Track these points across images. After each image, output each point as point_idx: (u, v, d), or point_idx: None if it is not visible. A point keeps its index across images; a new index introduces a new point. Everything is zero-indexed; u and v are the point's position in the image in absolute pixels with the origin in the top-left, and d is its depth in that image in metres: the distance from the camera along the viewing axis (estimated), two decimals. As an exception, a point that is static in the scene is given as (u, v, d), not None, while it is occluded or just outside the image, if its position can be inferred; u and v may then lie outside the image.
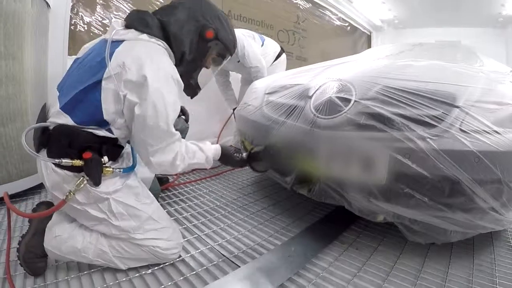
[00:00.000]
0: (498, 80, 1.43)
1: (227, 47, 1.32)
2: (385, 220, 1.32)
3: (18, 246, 1.17)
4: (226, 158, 1.42)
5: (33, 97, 1.92)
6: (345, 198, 1.31)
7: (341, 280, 1.19)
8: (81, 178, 1.06)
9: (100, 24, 2.66)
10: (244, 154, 1.50)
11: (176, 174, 2.33)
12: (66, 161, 1.03)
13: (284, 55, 3.16)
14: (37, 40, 1.98)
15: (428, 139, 1.10)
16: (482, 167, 1.06)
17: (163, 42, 1.16)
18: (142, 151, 1.13)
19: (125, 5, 2.80)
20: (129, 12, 1.25)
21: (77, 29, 2.53)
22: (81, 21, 2.54)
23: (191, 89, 1.34)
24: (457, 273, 1.24)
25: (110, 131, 1.11)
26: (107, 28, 2.69)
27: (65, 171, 1.08)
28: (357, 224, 1.64)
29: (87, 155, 1.04)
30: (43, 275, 1.17)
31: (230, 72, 3.08)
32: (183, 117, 2.04)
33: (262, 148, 1.52)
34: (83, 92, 1.06)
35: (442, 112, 1.15)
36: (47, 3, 2.12)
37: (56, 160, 1.03)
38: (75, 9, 2.47)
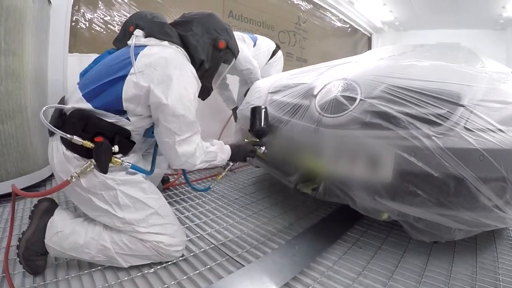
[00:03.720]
0: (501, 80, 1.45)
1: (234, 54, 1.47)
2: (389, 219, 1.32)
3: (18, 243, 1.15)
4: (237, 152, 1.48)
5: (32, 94, 1.90)
6: (350, 197, 1.30)
7: (346, 278, 1.19)
8: (89, 162, 1.08)
9: (102, 21, 2.65)
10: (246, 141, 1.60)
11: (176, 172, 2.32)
12: (77, 139, 1.06)
13: (280, 52, 3.12)
14: (38, 37, 1.97)
15: (433, 137, 1.11)
16: (487, 165, 1.07)
17: (182, 49, 1.27)
18: (168, 141, 1.17)
19: (126, 1, 2.79)
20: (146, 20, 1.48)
21: (78, 26, 2.52)
22: (82, 18, 2.53)
23: (207, 91, 1.46)
24: (461, 270, 1.25)
25: (127, 120, 1.16)
26: (109, 26, 2.69)
27: (75, 154, 1.11)
28: (360, 223, 1.64)
29: (99, 139, 1.09)
30: (42, 273, 1.15)
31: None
32: None
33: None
34: (108, 84, 1.13)
35: (447, 111, 1.16)
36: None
37: (68, 136, 1.06)
38: (77, 6, 2.46)
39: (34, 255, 1.13)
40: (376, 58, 2.02)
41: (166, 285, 1.11)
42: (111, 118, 1.13)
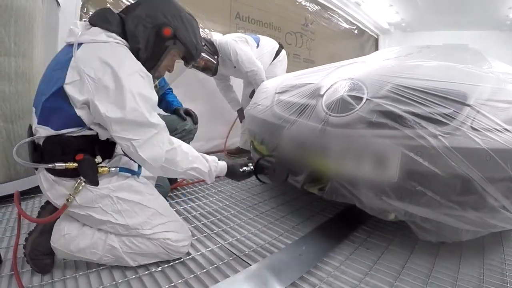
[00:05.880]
0: (507, 80, 1.44)
1: (187, 48, 1.24)
2: (396, 219, 1.31)
3: (24, 243, 1.17)
4: (232, 174, 1.35)
5: (42, 95, 1.93)
6: (357, 197, 1.30)
7: (353, 278, 1.19)
8: (79, 180, 1.08)
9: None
10: (250, 167, 1.40)
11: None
12: (59, 165, 1.04)
13: (283, 52, 3.12)
14: (47, 38, 1.99)
15: (439, 137, 1.10)
16: (493, 165, 1.06)
17: (122, 39, 1.11)
18: (130, 151, 1.05)
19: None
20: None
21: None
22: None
23: None
24: (468, 272, 1.24)
25: (90, 130, 1.09)
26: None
27: (64, 179, 1.10)
28: (367, 223, 1.64)
29: (80, 156, 1.06)
30: (50, 272, 1.16)
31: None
32: (188, 118, 2.05)
33: (271, 161, 1.44)
34: (49, 101, 1.04)
35: (454, 111, 1.15)
36: (57, 1, 2.14)
37: (49, 165, 1.04)
38: (85, 8, 2.48)
39: (40, 254, 1.14)
40: (383, 59, 2.02)
41: (173, 284, 1.12)
42: (78, 132, 1.06)
